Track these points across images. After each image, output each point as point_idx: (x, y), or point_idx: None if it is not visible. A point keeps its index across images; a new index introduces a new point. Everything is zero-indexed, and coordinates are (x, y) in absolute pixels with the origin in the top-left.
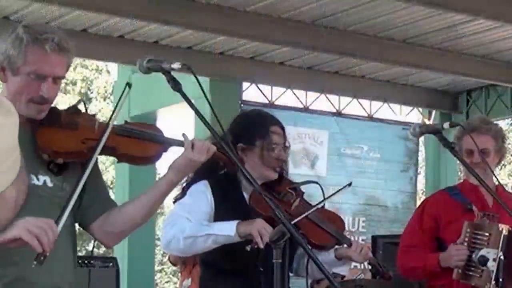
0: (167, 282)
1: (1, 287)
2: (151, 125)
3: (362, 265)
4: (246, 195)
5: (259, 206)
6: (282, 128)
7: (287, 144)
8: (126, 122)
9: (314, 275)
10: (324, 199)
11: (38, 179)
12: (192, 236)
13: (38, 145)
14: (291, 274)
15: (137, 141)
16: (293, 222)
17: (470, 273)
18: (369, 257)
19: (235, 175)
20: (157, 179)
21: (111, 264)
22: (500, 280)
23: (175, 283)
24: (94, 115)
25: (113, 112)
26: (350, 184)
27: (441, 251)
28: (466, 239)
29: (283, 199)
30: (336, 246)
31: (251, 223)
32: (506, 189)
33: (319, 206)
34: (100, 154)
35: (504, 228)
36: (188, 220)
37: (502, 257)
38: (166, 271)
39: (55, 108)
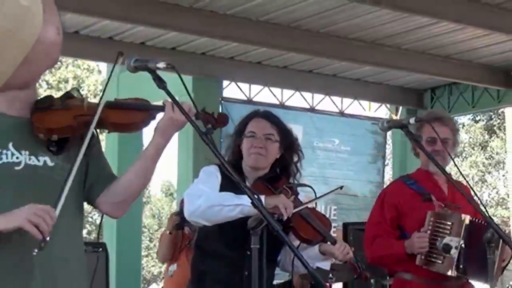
0: (153, 266)
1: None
2: (138, 98)
3: None
4: (248, 184)
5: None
6: (267, 119)
7: (269, 137)
8: (116, 99)
9: (299, 270)
10: (316, 198)
11: (38, 160)
12: (220, 204)
13: (33, 127)
14: (277, 269)
15: (124, 111)
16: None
17: (433, 259)
18: (350, 257)
19: (240, 165)
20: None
21: (100, 249)
22: (461, 266)
23: (160, 267)
24: (85, 97)
25: (106, 84)
26: (341, 187)
27: (403, 238)
28: (430, 227)
29: (279, 194)
30: (321, 243)
31: (277, 197)
32: (468, 179)
33: (309, 204)
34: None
35: (466, 218)
36: (208, 193)
37: (463, 245)
38: (152, 256)
39: (50, 96)
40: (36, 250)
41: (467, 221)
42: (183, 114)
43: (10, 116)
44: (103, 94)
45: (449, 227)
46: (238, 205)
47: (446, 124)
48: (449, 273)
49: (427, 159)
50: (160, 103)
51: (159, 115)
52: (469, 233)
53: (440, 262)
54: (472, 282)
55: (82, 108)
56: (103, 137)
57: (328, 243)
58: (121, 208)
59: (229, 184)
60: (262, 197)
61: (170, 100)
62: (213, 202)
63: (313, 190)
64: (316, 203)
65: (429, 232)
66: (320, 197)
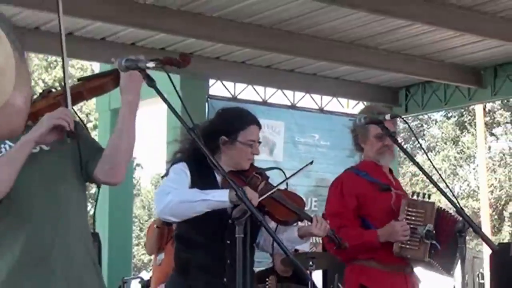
0: (143, 254)
1: (20, 249)
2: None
3: (315, 239)
4: (218, 177)
5: (231, 187)
6: (259, 126)
7: (260, 140)
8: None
9: (279, 250)
10: (286, 178)
11: (35, 148)
12: (187, 201)
13: None
14: (256, 250)
15: (94, 79)
16: (259, 200)
17: (408, 246)
18: (328, 230)
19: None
20: None
21: (93, 238)
22: (432, 252)
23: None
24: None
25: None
26: (311, 163)
27: (365, 228)
28: (405, 215)
29: (250, 182)
30: (299, 225)
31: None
32: (440, 172)
33: (281, 186)
34: (75, 103)
35: (435, 206)
36: (177, 190)
37: (434, 232)
38: (142, 245)
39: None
40: (69, 139)
41: (435, 210)
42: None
43: None
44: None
45: (422, 215)
46: (205, 200)
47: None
48: (425, 259)
49: (377, 151)
50: (151, 100)
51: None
52: (436, 219)
53: (416, 248)
54: (435, 267)
55: (59, 91)
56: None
57: (305, 221)
58: (116, 173)
59: (199, 180)
60: (227, 191)
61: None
62: (180, 198)
63: (282, 171)
64: (287, 183)
65: (405, 220)
66: (290, 177)
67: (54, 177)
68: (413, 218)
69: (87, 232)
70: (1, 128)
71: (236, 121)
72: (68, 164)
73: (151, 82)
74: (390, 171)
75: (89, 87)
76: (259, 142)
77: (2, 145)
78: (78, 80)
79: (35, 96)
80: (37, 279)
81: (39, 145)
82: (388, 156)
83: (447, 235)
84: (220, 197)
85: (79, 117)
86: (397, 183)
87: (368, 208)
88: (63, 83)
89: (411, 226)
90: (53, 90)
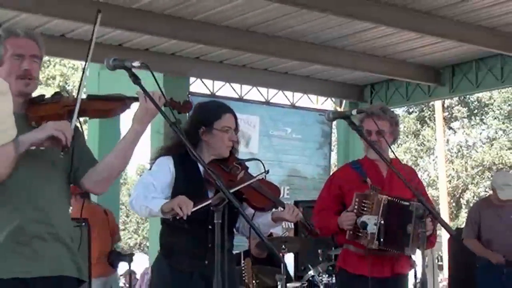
0: (129, 238)
1: (5, 236)
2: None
3: (287, 224)
4: (202, 169)
5: (211, 178)
6: (234, 115)
7: (238, 128)
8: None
9: (255, 235)
10: (264, 172)
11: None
12: (141, 204)
13: (28, 118)
14: (236, 233)
15: (104, 101)
16: (237, 188)
17: (359, 234)
18: (299, 217)
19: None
20: (121, 136)
21: (83, 223)
22: (381, 240)
23: (136, 239)
24: (71, 93)
25: (81, 79)
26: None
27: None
28: (356, 206)
29: (230, 172)
30: (273, 210)
31: (172, 200)
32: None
33: (259, 177)
34: (78, 116)
35: (383, 198)
36: (151, 184)
37: (382, 222)
38: (128, 230)
39: (42, 94)
40: (62, 153)
41: (385, 201)
42: (154, 104)
43: None
44: (80, 85)
45: (370, 207)
46: (147, 207)
47: (382, 118)
48: (373, 246)
49: (365, 147)
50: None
51: (134, 106)
52: (389, 211)
53: (364, 236)
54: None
55: (69, 100)
56: (86, 127)
57: (279, 208)
58: (103, 185)
59: (183, 173)
60: (162, 202)
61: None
62: (137, 200)
63: (261, 162)
64: (265, 176)
65: (355, 210)
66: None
67: (45, 173)
68: (363, 209)
69: (70, 223)
70: None
71: (211, 111)
72: (59, 165)
73: (136, 80)
74: (395, 162)
75: (95, 108)
76: (237, 130)
77: None
78: (88, 96)
79: (46, 96)
80: (19, 257)
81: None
82: (377, 149)
83: (397, 224)
84: (154, 207)
85: (80, 123)
86: (391, 176)
87: (346, 197)
88: (75, 96)
89: (358, 216)
90: (64, 95)
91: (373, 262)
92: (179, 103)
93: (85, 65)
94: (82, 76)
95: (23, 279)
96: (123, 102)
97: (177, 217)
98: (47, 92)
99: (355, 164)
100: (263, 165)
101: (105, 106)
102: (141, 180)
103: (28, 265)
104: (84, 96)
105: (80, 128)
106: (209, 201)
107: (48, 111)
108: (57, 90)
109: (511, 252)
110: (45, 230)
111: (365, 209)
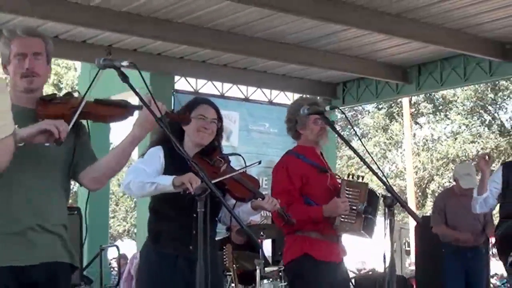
0: (118, 225)
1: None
2: (122, 101)
3: (266, 213)
4: None
5: (194, 169)
6: (213, 107)
7: (221, 120)
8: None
9: (235, 223)
10: (245, 166)
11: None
12: (142, 181)
13: (36, 115)
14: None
15: (109, 107)
16: (219, 179)
17: (347, 220)
18: (277, 208)
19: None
20: (110, 141)
21: (75, 212)
22: (365, 224)
23: (124, 226)
24: (81, 96)
25: (90, 85)
26: (260, 162)
27: (308, 205)
28: (350, 194)
29: (214, 164)
30: (253, 199)
31: (182, 176)
32: (372, 156)
33: (241, 170)
34: (79, 118)
35: (367, 187)
36: (143, 170)
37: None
38: (117, 217)
39: (54, 94)
40: (54, 144)
41: (367, 190)
42: (145, 106)
43: (15, 106)
44: (88, 90)
45: (358, 194)
46: (153, 182)
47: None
48: (362, 230)
49: (317, 134)
50: (125, 94)
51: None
52: (368, 199)
53: (353, 222)
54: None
55: (77, 102)
56: None
57: (259, 198)
58: (99, 183)
59: (171, 163)
60: (172, 176)
61: (143, 99)
62: (137, 179)
63: (242, 157)
64: (246, 170)
65: (350, 197)
66: (250, 166)
67: (46, 168)
68: (351, 196)
69: (64, 215)
70: None
71: (190, 103)
72: (56, 160)
73: (125, 78)
74: (321, 154)
75: (98, 113)
76: (214, 122)
77: None
78: (95, 101)
79: (58, 95)
80: (14, 247)
81: (32, 143)
82: (325, 138)
83: (373, 210)
84: (165, 181)
85: (87, 122)
86: (326, 164)
87: (310, 188)
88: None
89: (350, 203)
90: (75, 95)
91: (334, 248)
92: (177, 115)
93: (86, 91)
94: (92, 82)
95: (18, 266)
96: (127, 109)
97: (187, 192)
98: (44, 90)
99: (298, 154)
100: (244, 160)
101: (109, 112)
102: (133, 167)
103: (22, 253)
104: (91, 99)
105: (86, 127)
106: (236, 172)
107: (56, 110)
108: (52, 88)
109: (475, 237)
110: (38, 223)
111: (351, 196)
